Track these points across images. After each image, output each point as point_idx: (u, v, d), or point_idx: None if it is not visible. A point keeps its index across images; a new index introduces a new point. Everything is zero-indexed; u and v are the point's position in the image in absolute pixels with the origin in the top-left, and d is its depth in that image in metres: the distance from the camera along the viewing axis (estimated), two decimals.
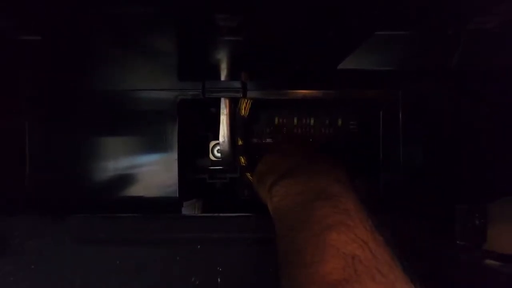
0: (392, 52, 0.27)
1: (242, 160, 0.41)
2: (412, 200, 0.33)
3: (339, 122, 0.47)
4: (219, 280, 0.29)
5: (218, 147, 0.43)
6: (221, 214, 0.31)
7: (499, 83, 0.29)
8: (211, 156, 0.44)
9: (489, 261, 0.22)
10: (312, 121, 0.47)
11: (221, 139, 0.38)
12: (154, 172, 0.38)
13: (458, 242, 0.26)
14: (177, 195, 0.37)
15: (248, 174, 0.41)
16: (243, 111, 0.39)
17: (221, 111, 0.37)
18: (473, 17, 0.18)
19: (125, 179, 0.38)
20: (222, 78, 0.35)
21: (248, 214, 0.31)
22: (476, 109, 0.32)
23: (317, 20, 0.17)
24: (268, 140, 0.47)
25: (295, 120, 0.47)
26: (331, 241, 0.18)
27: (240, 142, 0.40)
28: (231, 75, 0.35)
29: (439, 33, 0.24)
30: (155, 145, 0.38)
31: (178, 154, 0.37)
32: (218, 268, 0.29)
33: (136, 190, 0.38)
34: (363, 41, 0.22)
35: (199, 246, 0.30)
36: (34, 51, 0.27)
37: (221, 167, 0.43)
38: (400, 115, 0.36)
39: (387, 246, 0.19)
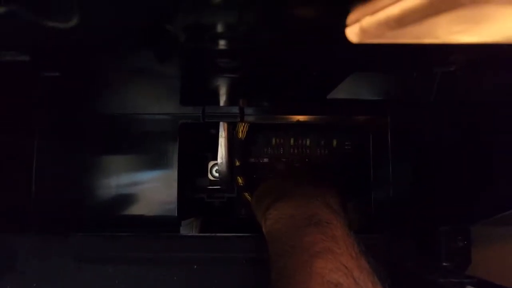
0: (378, 83, 0.30)
1: (240, 180, 0.43)
2: (401, 220, 0.34)
3: (334, 143, 0.48)
4: None
5: (216, 167, 0.45)
6: (218, 234, 0.32)
7: (482, 109, 0.31)
8: (209, 176, 0.45)
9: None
10: (308, 142, 0.49)
11: (219, 160, 0.40)
12: (155, 191, 0.39)
13: (443, 264, 0.27)
14: (176, 214, 0.39)
15: (246, 194, 0.43)
16: (240, 134, 0.41)
17: (220, 134, 0.39)
18: (434, 65, 0.21)
19: (127, 198, 0.39)
20: (221, 103, 0.38)
21: (245, 234, 0.32)
22: (461, 133, 0.34)
23: (306, 64, 0.20)
24: (265, 160, 0.49)
25: (292, 141, 0.49)
26: (317, 269, 0.19)
27: (237, 163, 0.42)
28: (230, 101, 0.37)
29: (413, 73, 0.26)
30: (157, 165, 0.39)
31: (178, 174, 0.39)
32: None
33: (137, 209, 0.39)
34: (342, 80, 0.24)
35: (195, 266, 0.31)
36: (48, 83, 0.29)
37: (219, 187, 0.45)
38: (389, 139, 0.38)
39: (371, 272, 0.20)
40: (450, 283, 0.24)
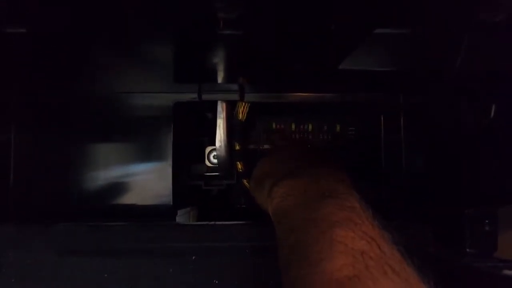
0: (394, 53, 0.27)
1: (239, 166, 0.40)
2: (416, 207, 0.32)
3: (338, 128, 0.46)
4: None
5: (214, 153, 0.42)
6: (217, 223, 0.29)
7: (504, 85, 0.29)
8: (207, 162, 0.43)
9: (507, 271, 0.21)
10: (310, 127, 0.46)
11: (217, 143, 0.37)
12: (147, 178, 0.36)
13: (467, 250, 0.25)
14: (171, 203, 0.35)
15: (245, 181, 0.40)
16: (240, 115, 0.37)
17: (218, 114, 0.36)
18: (480, 10, 0.17)
19: (116, 187, 0.36)
20: (219, 80, 0.34)
21: (246, 222, 0.30)
22: (481, 112, 0.31)
23: (320, 10, 0.17)
24: (266, 146, 0.46)
25: (293, 126, 0.46)
26: (338, 238, 0.17)
27: (237, 147, 0.39)
28: (229, 78, 0.33)
29: (442, 31, 0.23)
30: (149, 149, 0.36)
31: (173, 159, 0.36)
32: (214, 281, 0.27)
33: (127, 198, 0.36)
34: (365, 38, 0.21)
35: (194, 257, 0.28)
36: (21, 49, 0.25)
37: (217, 174, 0.42)
38: (402, 119, 0.36)
39: (394, 243, 0.18)
40: (485, 267, 0.21)
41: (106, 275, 0.27)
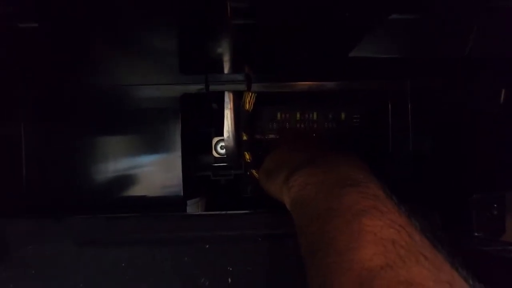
0: (403, 39, 0.26)
1: (247, 156, 0.40)
2: (423, 192, 0.32)
3: (343, 116, 0.46)
4: (229, 280, 0.27)
5: (221, 144, 0.42)
6: (229, 212, 0.30)
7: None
8: (214, 153, 0.43)
9: None
10: (315, 116, 0.46)
11: (225, 134, 0.37)
12: (157, 170, 0.37)
13: (475, 234, 0.25)
14: (182, 194, 0.36)
15: (254, 171, 0.40)
16: (247, 105, 0.37)
17: (225, 105, 0.36)
18: None
19: (128, 179, 0.37)
20: (226, 71, 0.34)
21: (257, 210, 0.30)
22: (488, 97, 0.31)
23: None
24: (271, 136, 0.46)
25: (298, 115, 0.46)
26: (366, 227, 0.17)
27: (245, 137, 0.39)
28: (235, 68, 0.33)
29: (453, 17, 0.23)
30: (158, 141, 0.36)
31: (182, 150, 0.36)
32: (228, 268, 0.28)
33: (139, 190, 0.37)
34: (377, 25, 0.21)
35: (207, 246, 0.28)
36: (30, 44, 0.25)
37: (225, 164, 0.42)
38: (409, 105, 0.35)
39: (424, 232, 0.18)
40: (493, 251, 0.22)
41: (123, 264, 0.28)
